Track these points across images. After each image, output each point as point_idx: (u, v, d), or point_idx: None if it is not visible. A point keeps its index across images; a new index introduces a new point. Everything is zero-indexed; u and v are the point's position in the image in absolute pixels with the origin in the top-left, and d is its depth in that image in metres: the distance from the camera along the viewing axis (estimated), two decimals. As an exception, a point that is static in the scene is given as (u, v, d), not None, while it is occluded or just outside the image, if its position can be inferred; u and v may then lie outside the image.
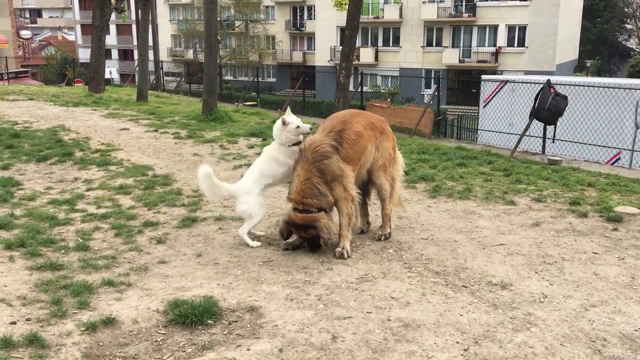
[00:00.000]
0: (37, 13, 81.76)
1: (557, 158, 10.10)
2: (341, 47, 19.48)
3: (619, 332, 3.97)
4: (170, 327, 4.03)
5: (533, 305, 4.36)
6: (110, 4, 22.70)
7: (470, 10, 42.56)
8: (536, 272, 4.99)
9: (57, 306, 4.23)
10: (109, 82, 34.64)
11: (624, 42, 61.20)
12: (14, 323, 3.98)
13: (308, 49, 53.14)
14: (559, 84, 12.31)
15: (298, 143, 5.59)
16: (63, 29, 73.77)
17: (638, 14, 60.29)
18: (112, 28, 57.86)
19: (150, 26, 24.51)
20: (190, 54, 55.27)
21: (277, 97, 36.06)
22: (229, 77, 52.29)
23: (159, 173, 8.51)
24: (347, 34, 16.61)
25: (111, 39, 56.43)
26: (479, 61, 42.48)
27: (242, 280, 4.80)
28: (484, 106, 18.95)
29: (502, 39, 41.87)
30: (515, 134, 13.15)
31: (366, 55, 45.24)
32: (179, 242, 5.74)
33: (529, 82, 15.56)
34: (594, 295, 4.57)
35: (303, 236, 5.36)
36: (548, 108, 10.92)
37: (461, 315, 4.19)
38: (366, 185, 5.94)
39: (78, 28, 67.03)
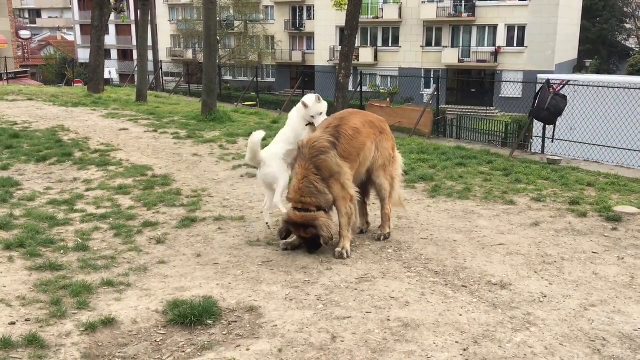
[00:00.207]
0: (36, 13, 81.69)
1: (556, 158, 10.10)
2: (340, 47, 19.46)
3: (618, 332, 3.98)
4: (170, 328, 4.03)
5: (532, 305, 4.36)
6: (110, 4, 22.70)
7: (469, 10, 42.56)
8: (535, 272, 5.00)
9: (57, 306, 4.22)
10: (108, 82, 34.65)
11: (623, 42, 61.22)
12: (13, 323, 3.98)
13: (307, 49, 53.11)
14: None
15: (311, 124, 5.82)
16: (62, 29, 73.70)
17: (637, 13, 60.29)
18: (112, 28, 57.80)
19: (149, 26, 24.53)
20: (189, 54, 55.25)
21: (276, 97, 36.01)
22: (229, 77, 52.25)
23: (158, 173, 8.51)
24: (347, 34, 16.61)
25: (110, 39, 56.39)
26: (478, 61, 42.49)
27: (241, 280, 4.80)
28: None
29: (501, 38, 41.86)
30: (587, 144, 12.18)
31: (365, 55, 45.23)
32: (178, 242, 5.74)
33: (591, 85, 13.76)
34: (593, 295, 4.57)
35: (302, 236, 5.34)
36: (547, 108, 10.93)
37: (460, 315, 4.19)
38: (365, 185, 5.94)
39: (77, 28, 67.00)
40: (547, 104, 10.92)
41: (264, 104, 26.58)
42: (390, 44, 45.90)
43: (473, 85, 43.32)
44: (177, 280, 4.80)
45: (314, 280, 4.80)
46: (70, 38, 69.79)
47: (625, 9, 60.21)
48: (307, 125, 5.87)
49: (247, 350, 3.72)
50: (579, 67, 49.71)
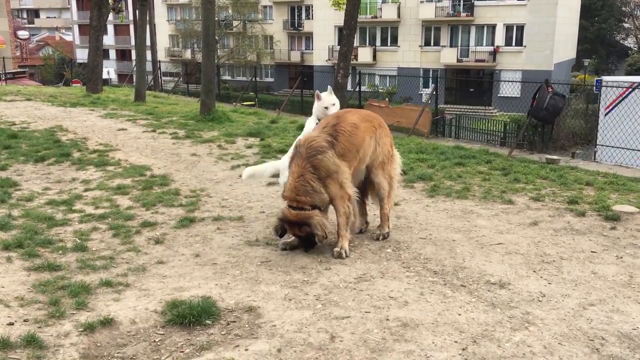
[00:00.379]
0: (34, 13, 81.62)
1: (555, 157, 10.11)
2: (339, 46, 19.47)
3: (617, 331, 3.98)
4: (168, 328, 4.02)
5: (531, 304, 4.36)
6: (108, 4, 22.67)
7: (468, 10, 42.58)
8: (534, 271, 5.00)
9: (55, 307, 4.22)
10: (106, 82, 34.60)
11: (621, 41, 61.29)
12: (11, 324, 3.98)
13: (306, 49, 53.10)
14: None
15: None
16: (61, 29, 73.64)
17: (636, 13, 60.35)
18: (110, 28, 57.73)
19: (148, 26, 24.50)
20: (188, 54, 55.21)
21: (275, 97, 35.98)
22: (227, 77, 52.17)
23: (156, 173, 8.50)
24: (345, 34, 16.63)
25: (109, 39, 56.27)
26: (477, 60, 42.52)
27: (240, 280, 4.80)
28: (605, 114, 15.01)
29: (500, 38, 41.89)
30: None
31: (364, 54, 45.24)
32: (177, 243, 5.73)
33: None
34: (592, 294, 4.57)
35: (297, 234, 5.32)
36: (546, 107, 10.95)
37: (459, 314, 4.19)
38: (364, 185, 5.93)
39: (76, 28, 66.91)
40: (545, 104, 10.94)
41: (262, 103, 26.55)
42: (388, 44, 45.91)
43: (472, 84, 43.32)
44: (175, 281, 4.79)
45: (312, 280, 4.80)
46: (68, 38, 69.72)
47: (624, 9, 60.28)
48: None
49: (246, 350, 3.71)
50: (577, 66, 49.76)
